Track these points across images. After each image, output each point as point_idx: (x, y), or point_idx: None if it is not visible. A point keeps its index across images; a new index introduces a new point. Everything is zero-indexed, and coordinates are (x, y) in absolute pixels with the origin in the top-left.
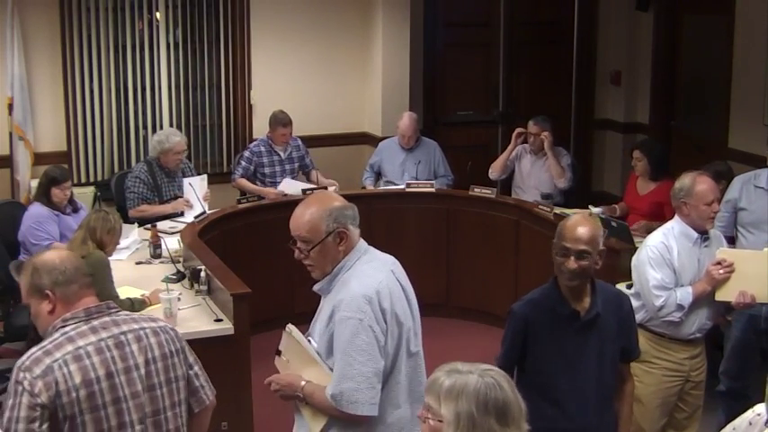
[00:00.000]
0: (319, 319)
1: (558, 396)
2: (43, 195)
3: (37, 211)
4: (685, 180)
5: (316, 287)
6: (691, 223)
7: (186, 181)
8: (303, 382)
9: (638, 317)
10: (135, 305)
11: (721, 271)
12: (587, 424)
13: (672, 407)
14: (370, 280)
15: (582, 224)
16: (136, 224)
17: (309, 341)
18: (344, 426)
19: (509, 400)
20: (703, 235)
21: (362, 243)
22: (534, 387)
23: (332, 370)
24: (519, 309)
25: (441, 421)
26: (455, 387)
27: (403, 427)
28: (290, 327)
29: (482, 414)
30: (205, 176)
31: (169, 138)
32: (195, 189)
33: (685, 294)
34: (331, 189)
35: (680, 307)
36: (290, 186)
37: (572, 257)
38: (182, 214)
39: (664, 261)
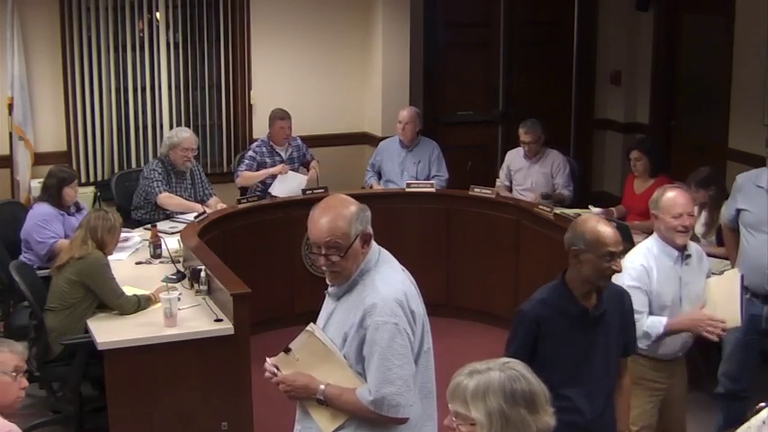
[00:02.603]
0: (338, 323)
1: (569, 392)
2: (53, 196)
3: (43, 209)
4: (656, 192)
5: (331, 290)
6: (664, 238)
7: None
8: (322, 386)
9: None
10: (141, 302)
11: (710, 329)
12: (596, 418)
13: (655, 423)
14: (395, 282)
15: (611, 227)
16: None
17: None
18: (361, 425)
19: (534, 389)
20: (683, 252)
21: (375, 244)
22: (545, 385)
23: (358, 374)
24: (531, 310)
25: (473, 425)
26: (479, 387)
27: (416, 423)
28: (313, 326)
29: (512, 407)
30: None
31: (178, 133)
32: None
33: (656, 325)
34: (303, 181)
35: (646, 335)
36: (283, 182)
37: (618, 259)
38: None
39: (640, 286)
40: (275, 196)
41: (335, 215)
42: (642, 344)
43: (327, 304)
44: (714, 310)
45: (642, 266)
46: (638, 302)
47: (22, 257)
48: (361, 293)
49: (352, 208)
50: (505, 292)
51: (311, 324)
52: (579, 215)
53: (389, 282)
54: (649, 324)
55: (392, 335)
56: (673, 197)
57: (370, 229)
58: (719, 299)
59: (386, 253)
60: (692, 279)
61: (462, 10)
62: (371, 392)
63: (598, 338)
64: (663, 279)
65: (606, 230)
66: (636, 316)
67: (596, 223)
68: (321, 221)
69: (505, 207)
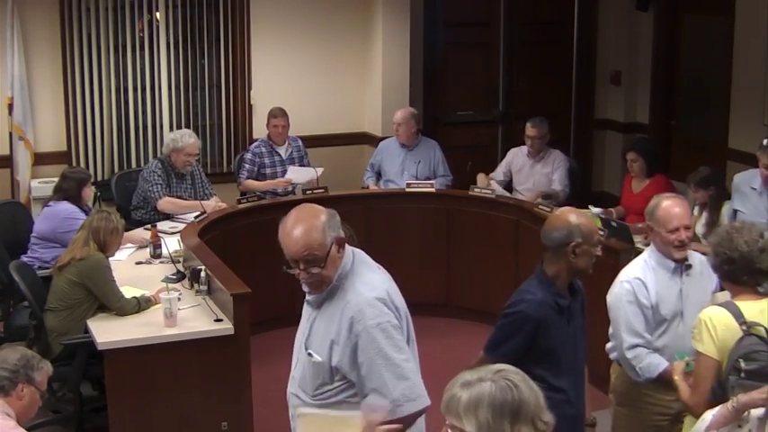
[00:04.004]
0: (322, 331)
1: (563, 385)
2: (73, 197)
3: (65, 206)
4: (653, 201)
5: (311, 298)
6: (660, 250)
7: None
8: None
9: (616, 356)
10: (141, 303)
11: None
12: (582, 405)
13: None
14: (376, 281)
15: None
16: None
17: (311, 354)
18: None
19: (523, 398)
20: (684, 263)
21: (347, 246)
22: (539, 380)
23: (353, 383)
24: (534, 312)
25: None
26: (471, 400)
27: None
28: (301, 410)
29: (497, 419)
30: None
31: (183, 137)
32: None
33: (652, 369)
34: (320, 171)
35: (636, 373)
36: (296, 173)
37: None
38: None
39: (636, 301)
40: (275, 195)
41: (308, 227)
42: (632, 375)
43: (307, 312)
44: None
45: (638, 280)
46: (638, 324)
47: (28, 256)
48: (343, 299)
49: (322, 217)
50: (505, 292)
51: (298, 409)
52: None
53: (370, 282)
54: (645, 366)
55: (387, 334)
56: (668, 208)
57: (342, 233)
58: None
59: (360, 253)
60: (693, 290)
61: (462, 10)
62: (386, 395)
63: (574, 327)
64: (661, 292)
65: (589, 220)
66: (631, 339)
67: (579, 215)
68: (295, 236)
69: (505, 207)
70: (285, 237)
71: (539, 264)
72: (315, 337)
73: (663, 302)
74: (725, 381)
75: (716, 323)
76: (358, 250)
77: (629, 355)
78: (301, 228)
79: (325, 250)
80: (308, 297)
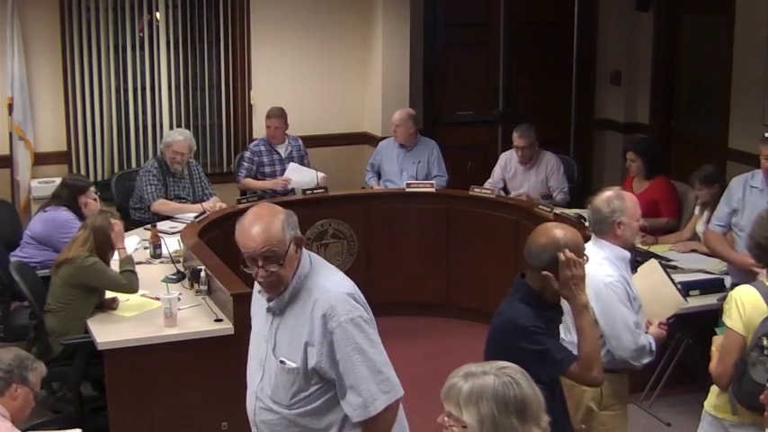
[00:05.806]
0: (290, 336)
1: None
2: (68, 206)
3: (64, 215)
4: (614, 201)
5: (273, 305)
6: (623, 244)
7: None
8: None
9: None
10: (131, 270)
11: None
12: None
13: None
14: (339, 278)
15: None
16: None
17: (284, 362)
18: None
19: (527, 396)
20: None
21: (303, 249)
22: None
23: (332, 380)
24: (527, 317)
25: (465, 427)
26: (474, 391)
27: None
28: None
29: (503, 414)
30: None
31: (174, 134)
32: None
33: (651, 340)
34: (321, 176)
35: (651, 352)
36: (297, 172)
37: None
38: (202, 213)
39: (629, 301)
40: (275, 195)
41: (267, 224)
42: (640, 361)
43: (266, 322)
44: (648, 305)
45: (623, 278)
46: (633, 320)
47: (16, 254)
48: (309, 298)
49: (281, 215)
50: (505, 292)
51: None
52: (579, 215)
53: (333, 279)
54: (651, 341)
55: (361, 328)
56: (631, 199)
57: (300, 233)
58: (649, 294)
59: (316, 256)
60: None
61: (462, 10)
62: (363, 390)
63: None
64: (631, 284)
65: (575, 233)
66: (636, 331)
67: (565, 230)
68: (254, 232)
69: (505, 207)
70: (243, 234)
71: (517, 276)
72: (282, 345)
73: (637, 293)
74: (747, 356)
75: (744, 301)
76: (314, 254)
77: (642, 341)
78: (260, 225)
79: (285, 248)
80: (268, 305)
